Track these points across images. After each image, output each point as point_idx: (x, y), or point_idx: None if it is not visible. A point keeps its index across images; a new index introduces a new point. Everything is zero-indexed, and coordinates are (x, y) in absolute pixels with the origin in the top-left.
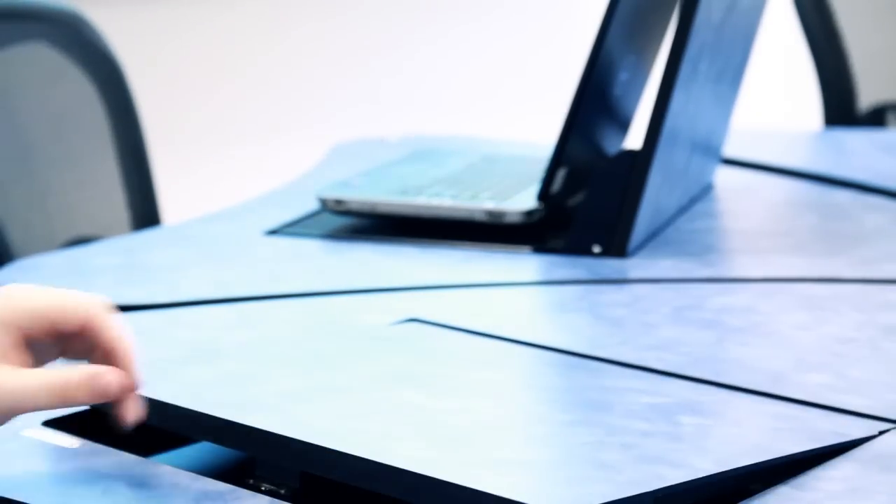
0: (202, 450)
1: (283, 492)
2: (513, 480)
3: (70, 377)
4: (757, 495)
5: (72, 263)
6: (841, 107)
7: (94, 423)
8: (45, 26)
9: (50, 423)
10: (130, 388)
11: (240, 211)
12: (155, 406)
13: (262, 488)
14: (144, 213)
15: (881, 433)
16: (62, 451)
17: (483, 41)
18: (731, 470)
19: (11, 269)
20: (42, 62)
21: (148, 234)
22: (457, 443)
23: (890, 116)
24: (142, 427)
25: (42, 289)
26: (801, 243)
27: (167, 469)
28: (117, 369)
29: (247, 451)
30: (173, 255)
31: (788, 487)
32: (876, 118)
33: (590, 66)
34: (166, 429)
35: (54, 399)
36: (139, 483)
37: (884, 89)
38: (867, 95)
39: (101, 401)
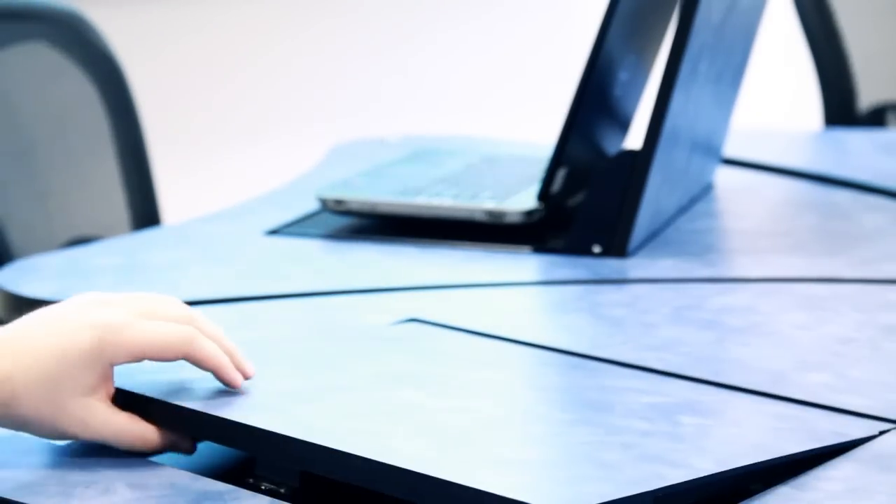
0: (202, 450)
1: (283, 491)
2: (513, 480)
3: (151, 440)
4: (757, 495)
5: (72, 263)
6: (841, 107)
7: None
8: (45, 26)
9: None
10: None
11: (240, 211)
12: (155, 406)
13: (262, 488)
14: (144, 213)
15: (881, 433)
16: (62, 451)
17: (483, 41)
18: (731, 470)
19: (11, 269)
20: (42, 62)
21: (148, 234)
22: (457, 442)
23: (890, 116)
24: None
25: (133, 320)
26: (801, 243)
27: (167, 469)
28: (191, 443)
29: (247, 451)
30: (173, 255)
31: (788, 487)
32: (876, 118)
33: (590, 66)
34: (166, 428)
35: (132, 446)
36: (139, 483)
37: (884, 89)
38: (867, 95)
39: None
